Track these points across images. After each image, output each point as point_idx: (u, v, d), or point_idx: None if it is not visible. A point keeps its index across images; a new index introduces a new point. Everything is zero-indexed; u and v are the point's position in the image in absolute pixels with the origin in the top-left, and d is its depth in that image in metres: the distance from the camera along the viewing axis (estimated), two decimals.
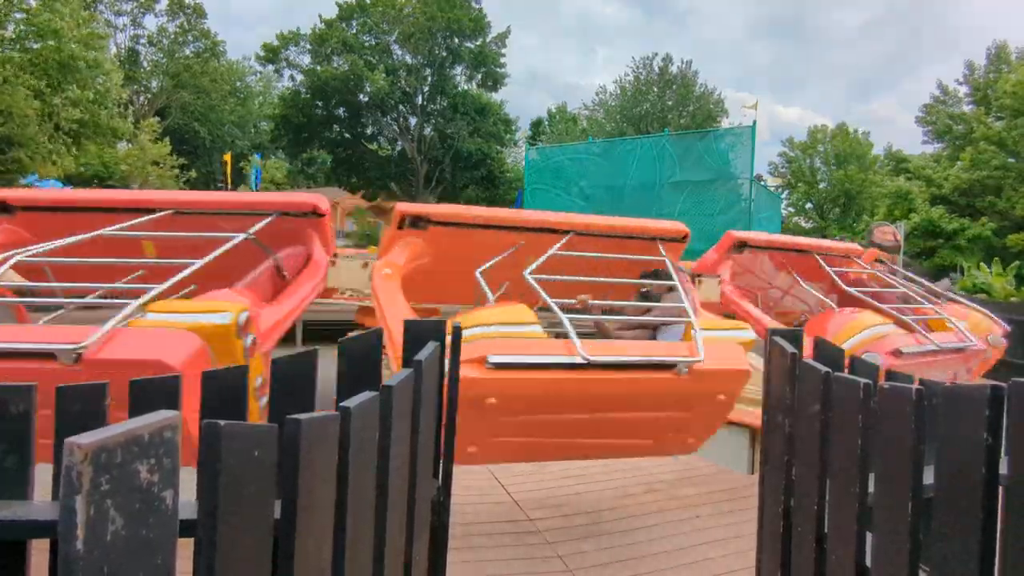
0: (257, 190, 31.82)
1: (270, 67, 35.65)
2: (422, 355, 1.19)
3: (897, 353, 3.89)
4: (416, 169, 33.40)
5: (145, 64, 37.16)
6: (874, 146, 39.07)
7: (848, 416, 1.15)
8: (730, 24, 77.52)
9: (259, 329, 2.65)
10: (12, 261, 2.76)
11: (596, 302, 3.65)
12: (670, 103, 37.86)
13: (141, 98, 36.58)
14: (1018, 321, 10.49)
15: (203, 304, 2.52)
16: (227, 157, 31.17)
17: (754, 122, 17.57)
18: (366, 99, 32.41)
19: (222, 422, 0.57)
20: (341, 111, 33.29)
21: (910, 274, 5.82)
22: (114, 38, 35.56)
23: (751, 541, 3.70)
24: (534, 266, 3.17)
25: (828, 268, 4.76)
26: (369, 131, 34.83)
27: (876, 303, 4.46)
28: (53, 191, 4.32)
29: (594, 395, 2.63)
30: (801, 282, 4.86)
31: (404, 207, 3.71)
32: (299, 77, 33.54)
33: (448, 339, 1.43)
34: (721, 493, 4.40)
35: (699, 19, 75.87)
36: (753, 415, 4.31)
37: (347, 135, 34.23)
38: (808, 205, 39.97)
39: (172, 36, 36.66)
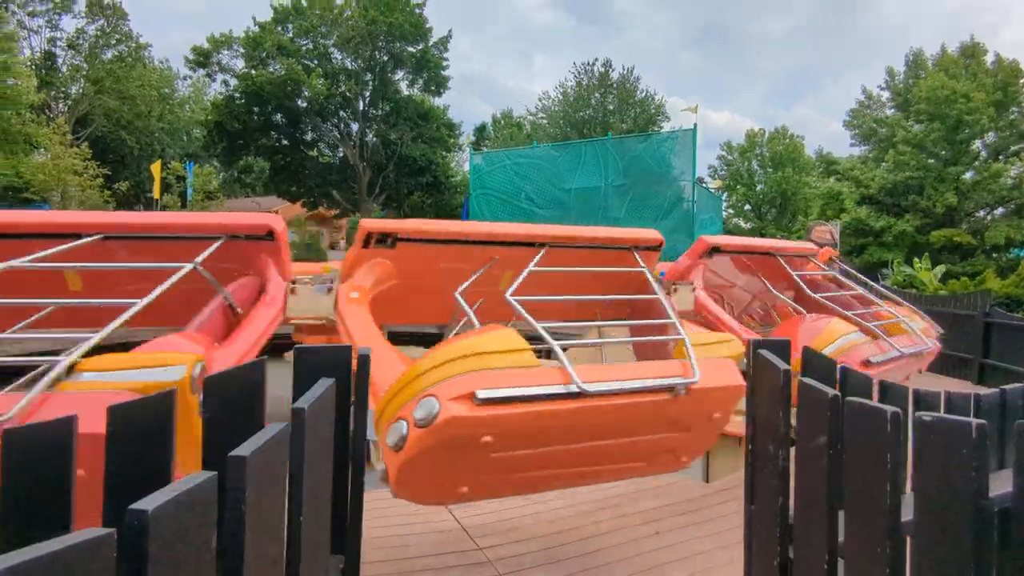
0: (188, 200, 30.38)
1: (201, 72, 34.12)
2: (305, 401, 0.86)
3: (867, 363, 3.85)
4: (359, 176, 32.58)
5: (64, 68, 34.91)
6: (806, 148, 40.66)
7: (870, 451, 0.91)
8: (660, 33, 79.62)
9: None
10: None
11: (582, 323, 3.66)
12: (611, 108, 38.33)
13: (60, 104, 34.38)
14: (945, 313, 10.94)
15: (150, 357, 2.12)
16: (156, 166, 29.61)
17: (695, 125, 17.80)
18: (305, 104, 31.40)
19: None
20: (279, 117, 32.12)
21: (854, 272, 5.87)
22: (28, 40, 33.32)
23: (714, 557, 3.52)
24: (514, 286, 2.98)
25: (792, 272, 4.71)
26: (309, 137, 33.77)
27: (841, 310, 4.43)
28: None
29: (590, 422, 2.46)
30: (770, 287, 4.78)
31: (369, 223, 3.45)
32: (233, 82, 32.21)
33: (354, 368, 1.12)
34: (680, 505, 4.22)
35: (631, 28, 77.60)
36: None
37: (285, 142, 33.08)
38: (747, 206, 41.18)
39: (92, 39, 34.59)
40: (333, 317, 3.38)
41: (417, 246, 3.50)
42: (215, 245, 3.14)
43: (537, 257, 3.40)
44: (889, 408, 0.87)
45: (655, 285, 3.46)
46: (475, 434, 2.18)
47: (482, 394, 2.16)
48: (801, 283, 4.63)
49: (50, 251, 2.79)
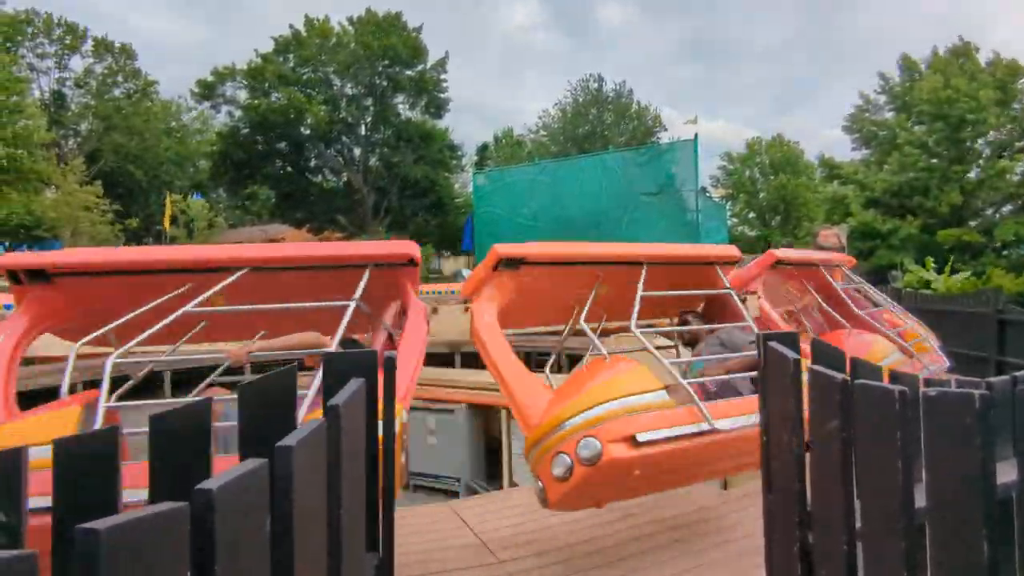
0: (194, 230, 30.75)
1: (206, 104, 34.69)
2: (340, 398, 0.91)
3: None
4: (363, 200, 32.86)
5: (73, 107, 35.62)
6: (805, 154, 40.74)
7: (880, 431, 0.94)
8: (655, 47, 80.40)
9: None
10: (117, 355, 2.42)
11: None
12: (609, 122, 38.61)
13: (70, 142, 35.03)
14: (958, 312, 10.90)
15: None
16: (170, 198, 30.11)
17: (695, 135, 17.85)
18: (308, 132, 31.82)
19: None
20: (282, 145, 32.53)
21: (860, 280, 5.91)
22: (37, 82, 34.06)
23: (735, 563, 3.50)
24: (634, 317, 3.32)
25: (839, 287, 5.01)
26: (312, 164, 34.16)
27: (884, 329, 4.62)
28: (96, 250, 3.88)
29: (714, 451, 2.88)
30: (822, 301, 4.91)
31: (502, 248, 3.66)
32: (237, 113, 32.72)
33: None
34: (699, 511, 4.21)
35: (624, 42, 78.47)
36: None
37: (290, 169, 33.47)
38: (751, 215, 41.17)
39: (100, 77, 35.34)
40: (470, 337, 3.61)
41: (539, 267, 3.74)
42: (365, 276, 3.23)
43: (643, 277, 3.71)
44: (896, 387, 0.91)
45: (739, 304, 3.79)
46: (630, 469, 2.61)
47: (641, 437, 2.59)
48: (846, 299, 4.84)
49: (219, 287, 2.95)
